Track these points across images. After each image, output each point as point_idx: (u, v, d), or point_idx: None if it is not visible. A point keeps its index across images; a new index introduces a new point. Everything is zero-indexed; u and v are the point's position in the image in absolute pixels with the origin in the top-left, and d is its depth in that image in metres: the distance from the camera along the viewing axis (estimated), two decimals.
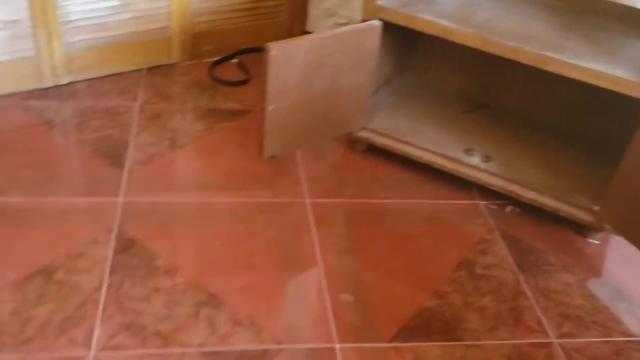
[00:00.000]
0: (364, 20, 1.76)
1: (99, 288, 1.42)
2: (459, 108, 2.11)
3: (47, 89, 2.12)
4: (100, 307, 1.37)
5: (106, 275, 1.45)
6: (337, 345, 1.36)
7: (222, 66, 2.42)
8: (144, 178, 1.78)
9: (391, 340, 1.38)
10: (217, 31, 2.42)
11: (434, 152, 1.88)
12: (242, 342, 1.33)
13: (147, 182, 1.77)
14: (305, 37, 1.66)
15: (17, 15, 1.95)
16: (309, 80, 1.69)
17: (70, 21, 2.06)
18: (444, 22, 1.70)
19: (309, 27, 2.60)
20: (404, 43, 2.13)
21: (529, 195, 1.78)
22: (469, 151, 1.89)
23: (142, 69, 2.31)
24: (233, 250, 1.57)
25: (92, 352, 1.27)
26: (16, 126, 1.93)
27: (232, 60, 2.46)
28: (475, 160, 1.87)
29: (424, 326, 1.43)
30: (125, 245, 1.53)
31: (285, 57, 1.59)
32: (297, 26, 2.59)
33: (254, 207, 1.73)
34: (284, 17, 2.55)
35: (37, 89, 2.10)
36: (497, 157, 1.89)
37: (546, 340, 1.44)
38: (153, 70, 2.32)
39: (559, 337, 1.45)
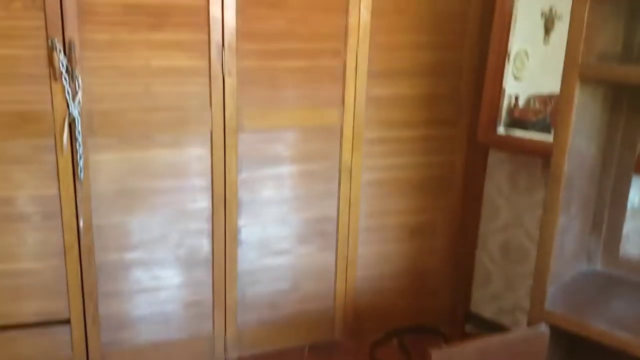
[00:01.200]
0: (530, 323, 1.70)
1: None
2: None
3: None
4: None
5: None
6: None
7: (382, 346, 2.41)
8: None
9: None
10: (379, 309, 2.47)
11: None
12: None
13: None
14: (470, 343, 1.62)
15: (200, 297, 2.18)
16: None
17: (246, 301, 2.24)
18: (621, 333, 1.58)
19: (472, 309, 2.56)
20: (573, 341, 1.98)
21: None
22: None
23: (304, 345, 2.38)
24: None
25: None
26: None
27: (393, 340, 2.45)
28: None
29: None
30: None
31: None
32: (460, 307, 2.57)
33: None
34: (447, 297, 2.55)
35: None
36: None
37: None
38: (315, 346, 2.38)
39: None
